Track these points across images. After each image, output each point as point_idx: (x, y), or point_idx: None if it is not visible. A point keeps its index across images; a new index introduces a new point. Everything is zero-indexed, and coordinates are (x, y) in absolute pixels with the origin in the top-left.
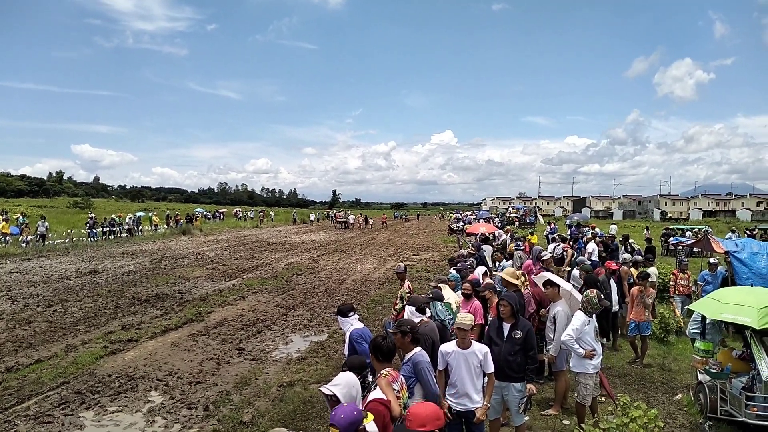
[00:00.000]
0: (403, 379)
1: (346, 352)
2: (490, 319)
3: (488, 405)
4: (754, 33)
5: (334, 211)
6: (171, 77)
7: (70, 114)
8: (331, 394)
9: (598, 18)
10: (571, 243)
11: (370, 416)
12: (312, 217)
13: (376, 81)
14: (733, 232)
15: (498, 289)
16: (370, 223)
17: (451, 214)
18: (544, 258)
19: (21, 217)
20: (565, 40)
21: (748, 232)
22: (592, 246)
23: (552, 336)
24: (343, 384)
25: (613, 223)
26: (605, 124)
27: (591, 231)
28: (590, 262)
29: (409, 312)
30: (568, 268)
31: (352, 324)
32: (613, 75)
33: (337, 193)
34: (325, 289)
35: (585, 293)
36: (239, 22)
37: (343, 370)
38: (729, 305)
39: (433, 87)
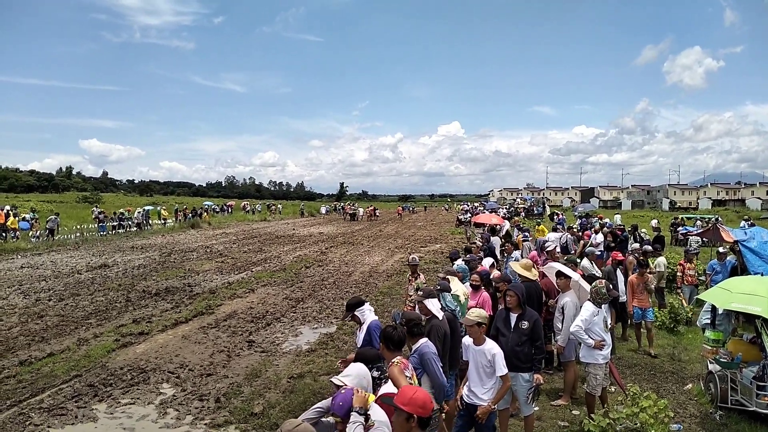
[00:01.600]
0: (412, 367)
1: (360, 343)
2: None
3: (492, 406)
4: (764, 20)
5: (342, 204)
6: (176, 71)
7: (77, 109)
8: (342, 384)
9: (607, 6)
10: (581, 234)
11: (371, 397)
12: (323, 209)
13: (382, 73)
14: (747, 220)
15: (512, 280)
16: (378, 214)
17: (458, 206)
18: (549, 249)
19: (31, 213)
20: (573, 29)
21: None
22: (599, 237)
23: (560, 326)
24: (354, 375)
25: (617, 213)
26: (614, 114)
27: (599, 222)
28: (599, 253)
29: (432, 306)
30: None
31: (370, 317)
32: (621, 64)
33: (344, 185)
34: (334, 281)
35: (594, 284)
36: (244, 15)
37: (354, 361)
38: (739, 294)
39: (439, 78)
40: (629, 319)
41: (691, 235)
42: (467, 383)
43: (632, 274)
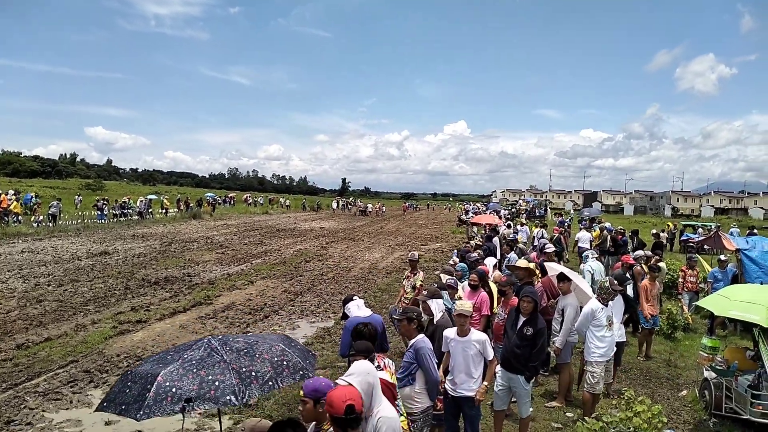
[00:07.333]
0: (388, 362)
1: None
2: (500, 309)
3: (486, 386)
4: None
5: (346, 200)
6: (184, 62)
7: (84, 96)
8: (347, 384)
9: (622, 11)
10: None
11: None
12: (334, 204)
13: (390, 71)
14: (750, 228)
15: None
16: (384, 210)
17: (460, 205)
18: (548, 251)
19: (33, 197)
20: (587, 34)
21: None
22: (581, 234)
23: (559, 328)
24: (358, 373)
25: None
26: (622, 118)
27: (599, 225)
28: (596, 255)
29: (436, 307)
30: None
31: (353, 312)
32: (633, 69)
33: (347, 181)
34: (333, 276)
35: (599, 280)
36: (252, 9)
37: (351, 354)
38: (738, 302)
39: (447, 77)
40: (638, 325)
41: (693, 243)
42: (450, 378)
43: (642, 281)
